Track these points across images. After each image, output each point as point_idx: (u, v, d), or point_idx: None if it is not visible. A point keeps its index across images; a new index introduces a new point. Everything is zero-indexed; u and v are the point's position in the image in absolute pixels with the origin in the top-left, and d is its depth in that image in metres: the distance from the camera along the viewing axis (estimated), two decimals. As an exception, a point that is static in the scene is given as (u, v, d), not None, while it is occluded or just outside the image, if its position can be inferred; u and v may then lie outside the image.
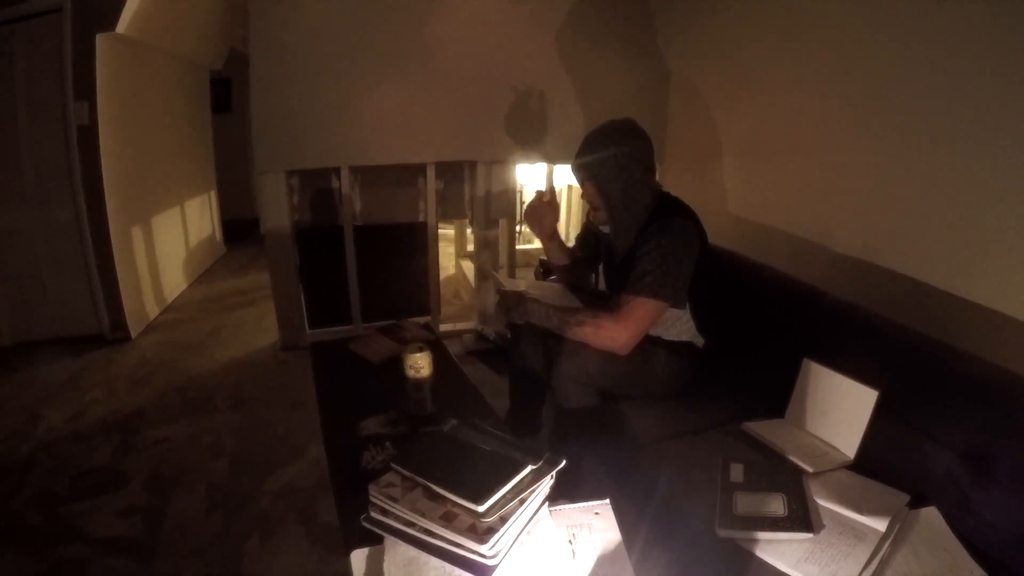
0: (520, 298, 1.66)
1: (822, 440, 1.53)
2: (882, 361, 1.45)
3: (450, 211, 2.61)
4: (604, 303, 1.75)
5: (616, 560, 1.02)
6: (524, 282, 1.91)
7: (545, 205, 1.89)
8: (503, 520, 0.98)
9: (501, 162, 2.46)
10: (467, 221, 2.91)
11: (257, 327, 2.81)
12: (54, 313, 2.53)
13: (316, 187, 2.37)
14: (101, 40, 2.32)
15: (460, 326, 2.82)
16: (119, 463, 1.88)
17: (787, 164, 2.17)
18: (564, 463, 1.13)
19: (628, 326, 1.51)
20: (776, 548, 1.18)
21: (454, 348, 2.69)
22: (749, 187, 2.39)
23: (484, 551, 0.93)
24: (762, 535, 1.20)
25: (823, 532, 1.20)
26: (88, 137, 2.37)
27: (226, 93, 3.84)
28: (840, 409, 1.50)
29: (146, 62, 2.83)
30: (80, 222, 2.41)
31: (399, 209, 2.49)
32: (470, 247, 3.18)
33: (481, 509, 0.97)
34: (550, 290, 1.86)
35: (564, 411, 1.67)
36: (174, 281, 3.11)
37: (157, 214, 2.94)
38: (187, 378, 2.37)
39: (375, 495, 1.04)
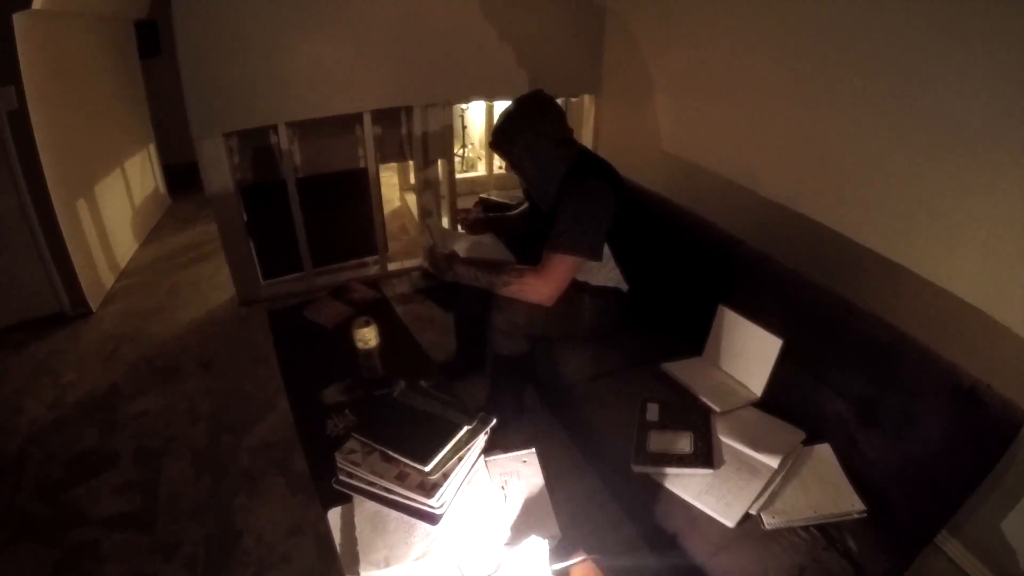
0: (450, 260, 1.90)
1: (733, 378, 1.87)
2: (788, 313, 1.76)
3: (389, 155, 2.78)
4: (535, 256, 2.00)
5: (540, 501, 1.37)
6: (461, 240, 2.12)
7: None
8: (446, 476, 1.31)
9: (437, 104, 2.60)
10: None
11: (212, 283, 3.01)
12: (12, 299, 2.66)
13: (255, 145, 2.50)
14: (18, 20, 2.29)
15: (408, 263, 3.08)
16: (106, 443, 2.11)
17: (718, 107, 2.38)
18: (495, 422, 1.44)
19: (549, 281, 1.79)
20: (682, 481, 1.54)
21: (403, 287, 2.98)
22: (682, 126, 2.60)
23: (432, 503, 1.25)
24: (670, 470, 1.55)
25: (723, 468, 1.55)
26: (20, 121, 2.40)
27: (153, 36, 3.71)
28: (750, 352, 1.82)
29: (68, 32, 2.80)
30: (24, 207, 2.49)
31: (339, 158, 2.64)
32: (413, 180, 3.36)
33: (427, 469, 1.29)
34: (483, 245, 2.09)
35: (499, 357, 2.00)
36: (125, 245, 3.22)
37: (99, 181, 3.01)
38: (153, 347, 2.59)
39: (341, 462, 1.34)
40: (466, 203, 3.37)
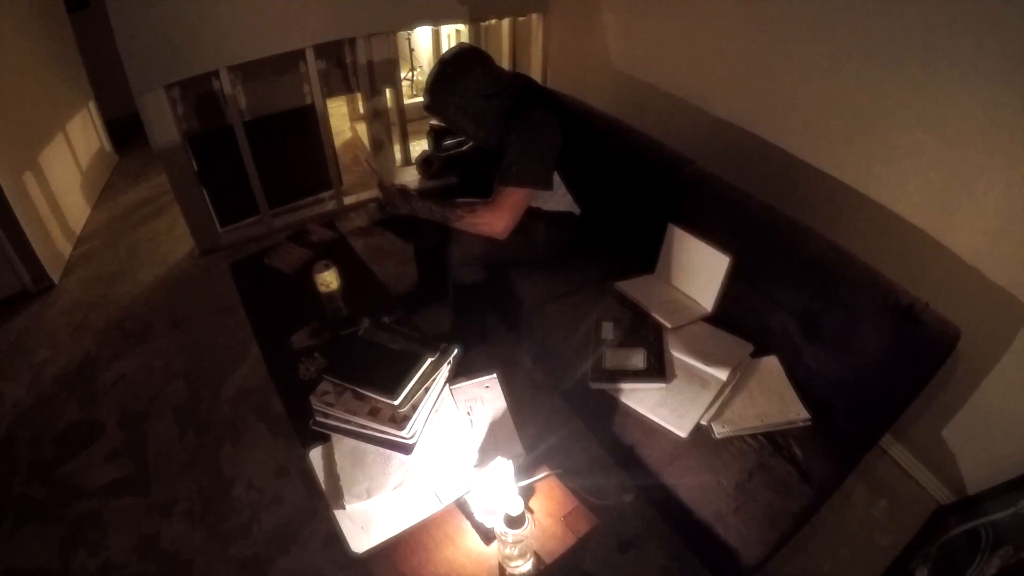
0: (405, 195, 1.96)
1: (685, 294, 2.00)
2: (736, 231, 1.86)
3: (335, 88, 2.74)
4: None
5: (504, 423, 1.51)
6: (409, 173, 2.20)
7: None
8: (414, 408, 1.43)
9: (381, 33, 2.55)
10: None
11: (170, 236, 2.99)
12: (-29, 283, 2.62)
13: (198, 93, 2.43)
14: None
15: (364, 195, 3.12)
16: (89, 414, 2.17)
17: (669, 24, 2.38)
18: (457, 351, 1.55)
19: (502, 214, 1.86)
20: (637, 395, 1.68)
21: (360, 220, 3.03)
22: (632, 43, 2.60)
23: (404, 435, 1.38)
24: (625, 385, 1.69)
25: (675, 381, 1.70)
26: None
27: None
28: (700, 269, 1.94)
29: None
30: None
31: (285, 96, 2.60)
32: (362, 110, 3.32)
33: (396, 402, 1.40)
34: (438, 180, 2.18)
35: (459, 287, 2.11)
36: (78, 210, 3.15)
37: (42, 149, 2.90)
38: (121, 310, 2.60)
39: (316, 404, 1.45)
40: (417, 129, 3.38)
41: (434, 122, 2.93)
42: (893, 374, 1.56)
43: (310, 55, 2.47)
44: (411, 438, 1.40)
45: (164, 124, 2.36)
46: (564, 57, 2.92)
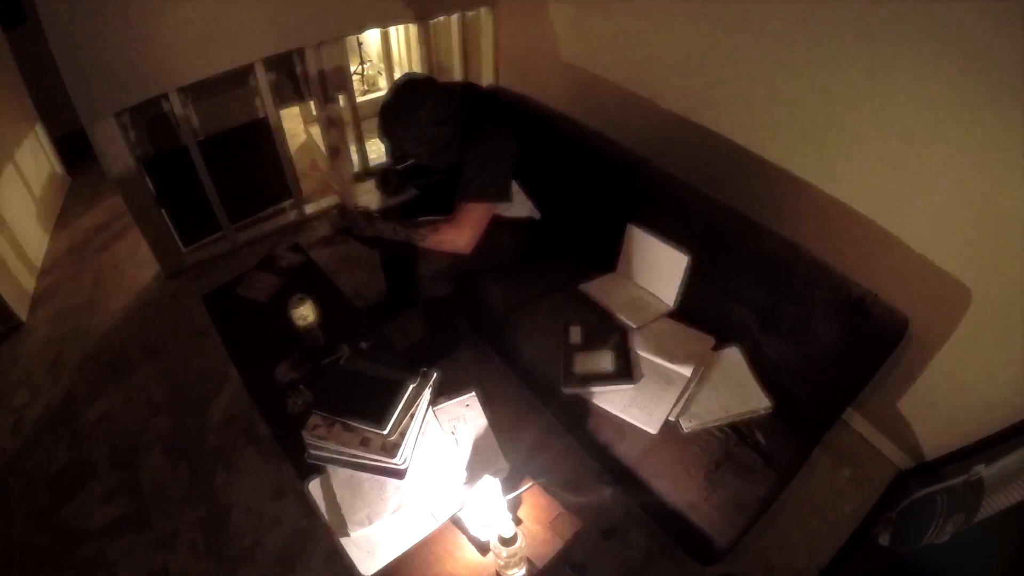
0: (367, 217, 2.04)
1: (647, 291, 2.14)
2: (692, 229, 1.99)
3: (287, 99, 2.77)
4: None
5: (486, 439, 1.65)
6: (369, 196, 2.28)
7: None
8: (402, 435, 1.57)
9: (329, 40, 2.59)
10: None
11: (134, 260, 3.01)
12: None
13: (149, 116, 2.45)
14: None
15: (324, 203, 3.18)
16: (79, 454, 2.21)
17: (618, 15, 2.45)
18: (436, 375, 1.68)
19: (464, 230, 1.97)
20: (608, 397, 1.83)
21: (323, 229, 3.08)
22: (581, 35, 2.67)
23: (396, 462, 1.51)
24: (596, 388, 1.84)
25: (642, 380, 1.85)
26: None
27: (13, 4, 3.30)
28: (660, 268, 2.08)
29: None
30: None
31: (237, 112, 2.62)
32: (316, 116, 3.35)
33: (385, 432, 1.53)
34: (398, 195, 2.27)
35: (429, 301, 2.23)
36: (36, 241, 3.12)
37: None
38: (94, 343, 2.64)
39: (308, 439, 1.57)
40: (372, 127, 3.40)
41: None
42: (846, 361, 1.73)
43: (260, 69, 2.51)
44: (403, 464, 1.53)
45: (117, 151, 2.39)
46: (515, 51, 2.99)
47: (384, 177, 2.30)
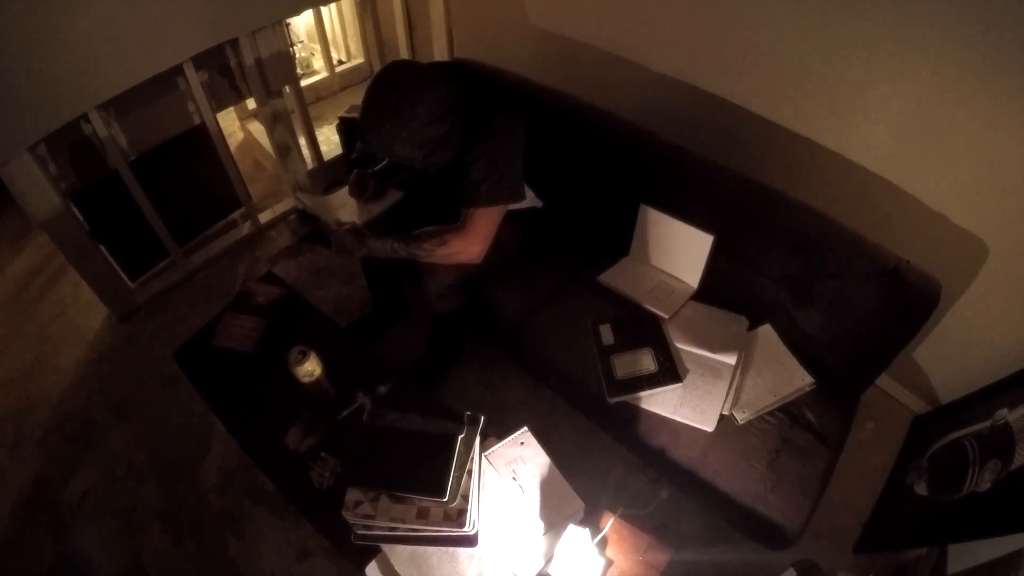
0: (358, 236, 1.69)
1: (667, 274, 1.93)
2: (713, 206, 1.77)
3: (225, 100, 2.25)
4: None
5: (552, 478, 1.42)
6: (348, 202, 1.85)
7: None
8: (465, 498, 1.30)
9: (264, 27, 2.08)
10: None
11: (79, 305, 2.46)
12: None
13: (70, 143, 1.89)
14: None
15: (279, 207, 2.71)
16: (67, 546, 1.81)
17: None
18: (484, 419, 1.41)
19: (475, 239, 1.64)
20: (657, 399, 1.64)
21: (284, 239, 2.64)
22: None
23: (466, 530, 1.26)
24: (643, 393, 1.64)
25: (688, 376, 1.66)
26: None
27: None
28: (681, 249, 1.86)
29: None
30: None
31: (169, 122, 2.10)
32: (251, 104, 2.82)
33: (445, 499, 1.26)
34: (378, 201, 1.87)
35: (439, 320, 1.95)
36: None
37: None
38: (54, 411, 2.14)
39: (352, 519, 1.28)
40: (318, 114, 2.94)
41: (344, 112, 2.54)
42: (884, 330, 1.61)
43: (189, 69, 1.99)
44: (472, 530, 1.28)
45: (38, 191, 1.85)
46: (470, 18, 2.54)
47: (358, 182, 1.88)
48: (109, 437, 2.05)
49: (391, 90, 1.48)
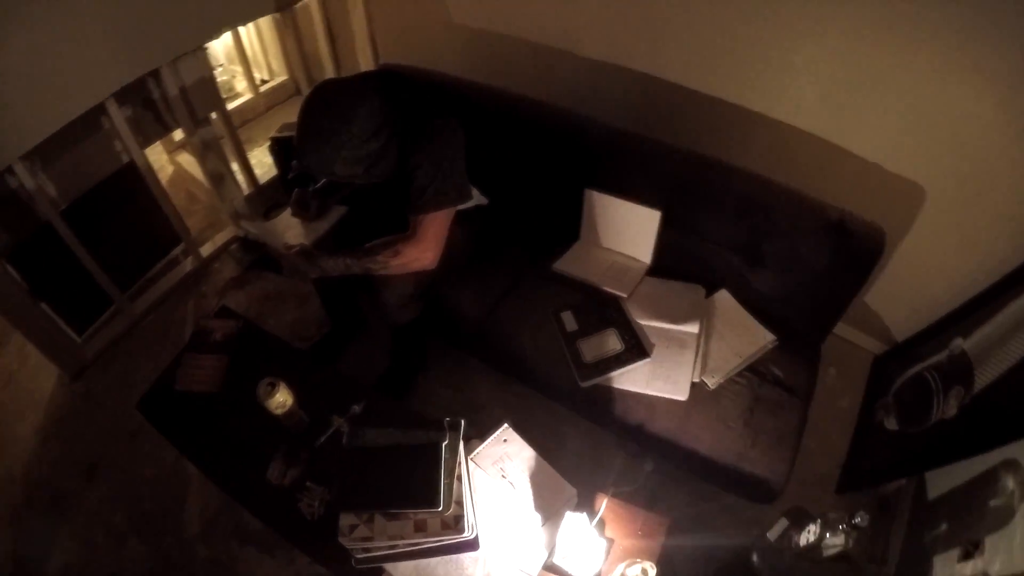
0: (308, 257, 1.64)
1: (620, 254, 1.94)
2: (659, 183, 1.79)
3: (151, 133, 2.14)
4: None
5: (542, 469, 1.42)
6: (293, 224, 1.80)
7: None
8: (460, 504, 1.29)
9: (186, 53, 1.99)
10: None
11: (27, 369, 2.28)
12: None
13: None
14: None
15: (220, 238, 2.61)
16: None
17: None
18: (464, 422, 1.40)
19: (428, 245, 1.61)
20: (628, 377, 1.66)
21: (230, 270, 2.54)
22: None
23: (466, 535, 1.25)
24: (614, 373, 1.65)
25: (655, 350, 1.68)
26: None
27: None
28: (630, 228, 1.88)
29: None
30: None
31: (97, 164, 1.97)
32: (178, 136, 2.71)
33: (440, 508, 1.25)
34: (324, 218, 1.83)
35: (399, 330, 1.92)
36: None
37: None
38: (20, 483, 1.98)
39: (351, 544, 1.25)
40: (247, 137, 2.83)
41: (275, 132, 2.46)
42: (836, 280, 1.67)
43: (112, 106, 1.88)
44: (472, 534, 1.27)
45: (-32, 256, 1.72)
46: (393, 22, 2.48)
47: (300, 201, 1.82)
48: (83, 502, 1.92)
49: (323, 113, 1.44)
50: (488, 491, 1.37)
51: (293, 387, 1.44)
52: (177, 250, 2.46)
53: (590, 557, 1.25)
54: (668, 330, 1.73)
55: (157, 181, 2.21)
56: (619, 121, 1.85)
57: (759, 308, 1.79)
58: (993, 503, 1.36)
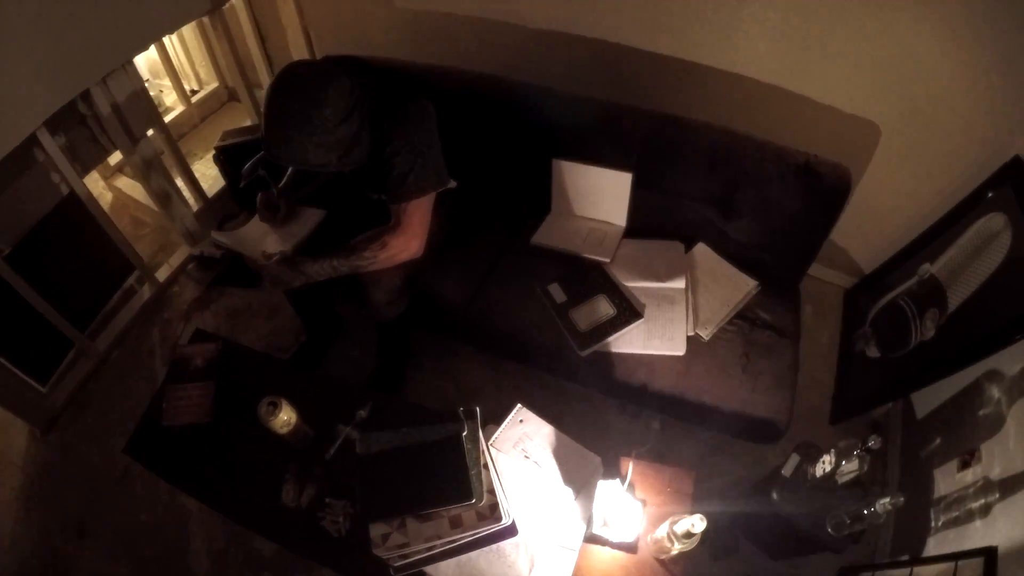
0: (292, 265, 1.56)
1: (595, 219, 1.93)
2: (626, 145, 1.78)
3: (89, 159, 1.96)
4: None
5: (563, 443, 1.40)
6: (268, 232, 1.69)
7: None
8: (491, 492, 1.26)
9: (113, 69, 1.82)
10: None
11: None
12: None
13: None
14: None
15: (175, 260, 2.44)
16: None
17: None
18: (478, 409, 1.36)
19: (414, 233, 1.56)
20: (625, 340, 1.67)
21: (191, 292, 2.39)
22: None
23: (504, 523, 1.23)
24: (611, 338, 1.66)
25: (647, 310, 1.69)
26: None
27: None
28: (602, 192, 1.87)
29: None
30: None
31: (37, 200, 1.78)
32: (114, 160, 2.51)
33: (475, 500, 1.22)
34: (301, 222, 1.73)
35: (389, 326, 1.86)
36: None
37: None
38: (10, 555, 1.79)
39: (388, 555, 1.21)
40: (189, 149, 2.66)
41: (218, 142, 2.31)
42: (808, 222, 1.71)
43: (45, 136, 1.70)
44: (509, 520, 1.25)
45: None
46: (328, 14, 2.34)
47: (268, 204, 1.71)
48: (79, 562, 1.78)
49: (292, 96, 1.34)
50: (514, 474, 1.35)
51: (293, 402, 1.37)
52: (131, 279, 2.28)
53: (629, 521, 1.26)
54: (655, 288, 1.75)
55: (101, 209, 2.04)
56: (578, 89, 1.82)
57: (737, 257, 1.83)
58: (982, 412, 1.44)
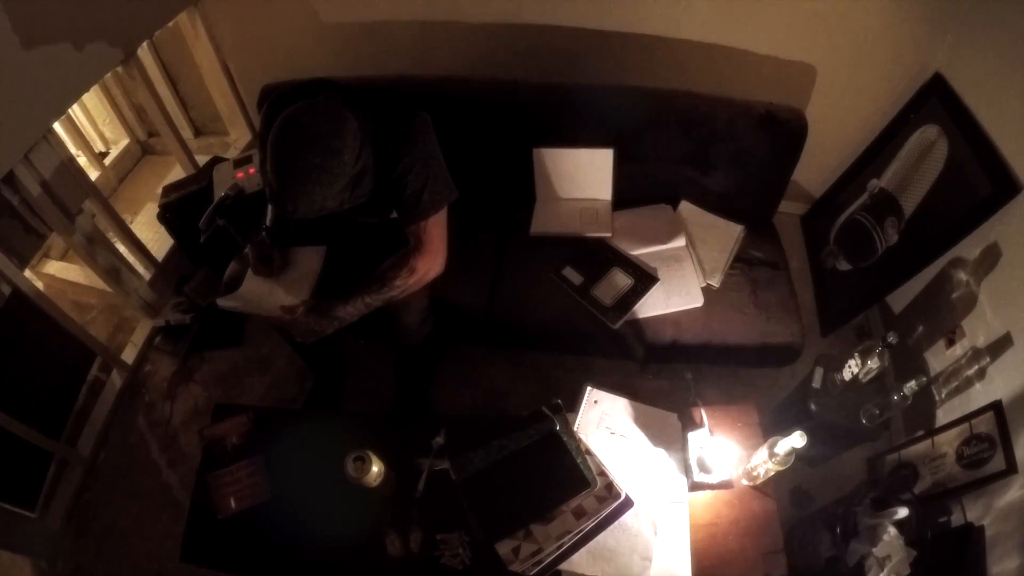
0: (318, 313, 1.46)
1: (583, 199, 1.96)
2: (601, 123, 1.82)
3: (26, 249, 1.69)
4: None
5: (639, 411, 1.43)
6: (281, 284, 1.56)
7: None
8: (602, 474, 1.28)
9: (35, 141, 1.56)
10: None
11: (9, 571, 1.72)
12: None
13: None
14: None
15: (137, 337, 2.18)
16: None
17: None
18: (559, 401, 1.37)
19: (436, 251, 1.50)
20: (648, 305, 1.73)
21: (168, 366, 2.14)
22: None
23: (621, 497, 1.25)
24: (636, 306, 1.72)
25: (660, 272, 1.76)
26: None
27: None
28: (585, 172, 1.90)
29: None
30: None
31: None
32: (55, 243, 2.19)
33: (592, 487, 1.23)
34: (301, 265, 1.61)
35: (412, 351, 1.82)
36: None
37: None
38: None
39: (522, 568, 1.19)
40: (124, 208, 2.33)
41: (164, 200, 2.05)
42: (777, 163, 1.84)
43: None
44: (624, 494, 1.27)
45: None
46: (249, 42, 2.13)
47: (261, 256, 1.56)
48: None
49: (311, 151, 1.21)
50: (607, 451, 1.36)
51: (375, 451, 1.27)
52: (94, 369, 2.00)
53: (724, 461, 1.32)
54: (660, 251, 1.83)
55: (51, 302, 1.78)
56: (543, 77, 1.84)
57: (717, 207, 1.93)
58: (955, 295, 1.63)
